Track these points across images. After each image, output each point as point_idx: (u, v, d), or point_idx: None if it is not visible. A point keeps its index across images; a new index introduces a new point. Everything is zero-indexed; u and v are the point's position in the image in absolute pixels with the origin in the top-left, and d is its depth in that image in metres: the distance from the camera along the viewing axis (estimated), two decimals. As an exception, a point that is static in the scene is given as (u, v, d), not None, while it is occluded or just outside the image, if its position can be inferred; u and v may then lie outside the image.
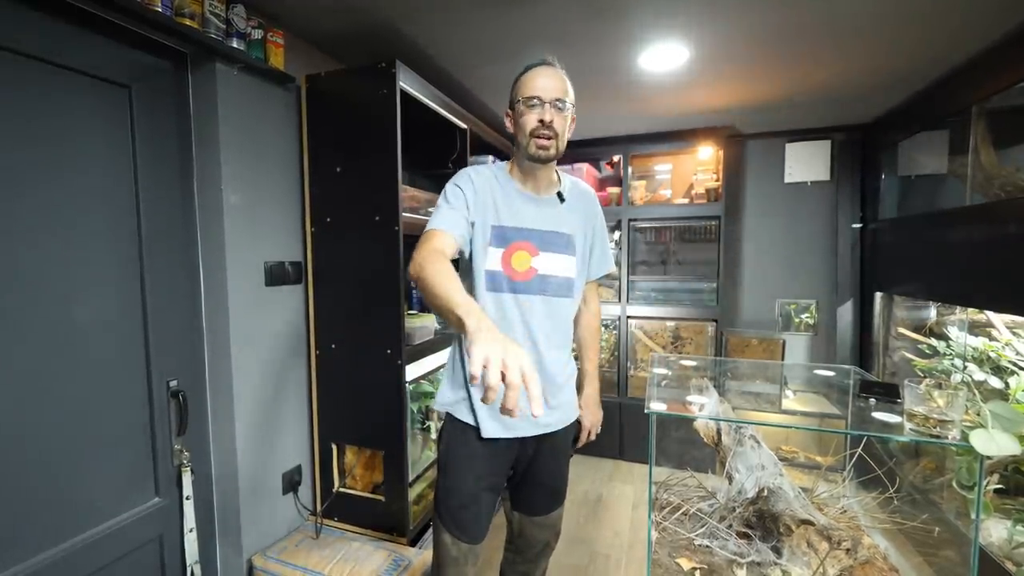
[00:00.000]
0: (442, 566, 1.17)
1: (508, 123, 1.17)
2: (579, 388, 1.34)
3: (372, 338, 1.65)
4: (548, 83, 1.08)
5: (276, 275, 1.63)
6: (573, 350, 1.28)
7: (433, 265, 0.92)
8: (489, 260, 1.12)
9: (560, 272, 1.17)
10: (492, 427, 1.12)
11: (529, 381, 0.65)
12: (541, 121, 1.07)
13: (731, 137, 2.90)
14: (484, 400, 0.65)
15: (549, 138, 1.08)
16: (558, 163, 1.23)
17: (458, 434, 1.16)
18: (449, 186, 1.15)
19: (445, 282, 0.86)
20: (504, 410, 0.65)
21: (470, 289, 1.14)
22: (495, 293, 1.12)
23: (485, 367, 0.65)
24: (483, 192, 1.13)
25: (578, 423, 1.32)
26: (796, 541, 1.19)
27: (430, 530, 1.50)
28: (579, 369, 1.35)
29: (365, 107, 1.59)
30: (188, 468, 1.43)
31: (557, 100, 1.08)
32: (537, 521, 1.27)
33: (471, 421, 1.13)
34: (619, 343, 3.05)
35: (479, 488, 1.15)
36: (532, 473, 1.22)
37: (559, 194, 1.20)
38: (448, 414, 1.19)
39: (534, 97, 1.08)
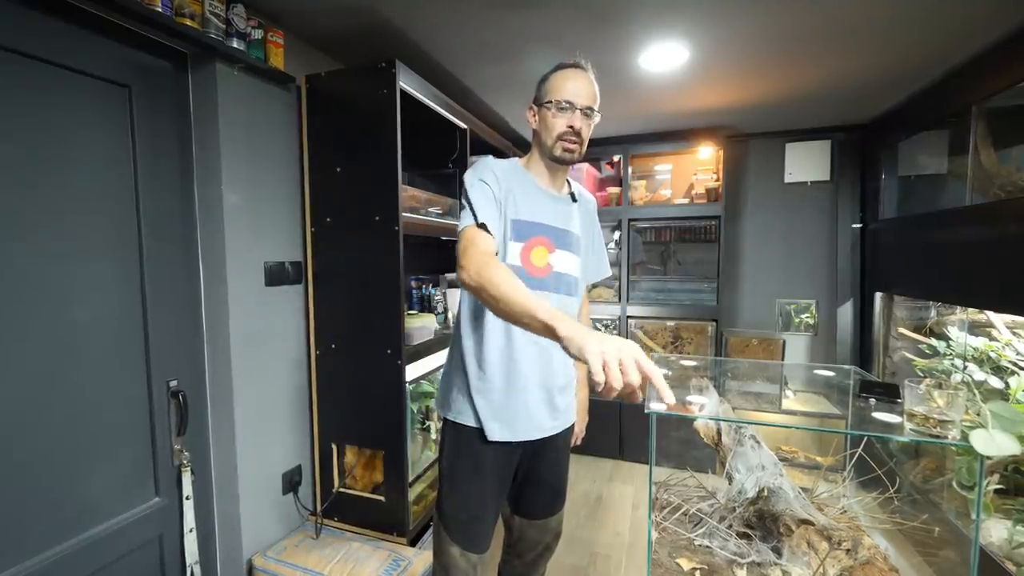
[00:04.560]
0: None
1: (531, 117, 1.15)
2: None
3: (372, 338, 1.65)
4: (582, 89, 1.09)
5: (276, 275, 1.63)
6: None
7: (492, 272, 0.87)
8: (509, 255, 1.10)
9: (571, 271, 1.18)
10: (498, 430, 1.10)
11: (651, 375, 0.65)
12: (571, 127, 1.08)
13: (731, 137, 2.90)
14: (605, 395, 0.66)
15: (575, 143, 1.10)
16: None
17: (462, 441, 1.13)
18: (475, 181, 1.08)
19: (515, 289, 0.82)
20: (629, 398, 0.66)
21: None
22: None
23: (605, 369, 0.64)
24: (504, 184, 1.11)
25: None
26: (796, 541, 1.18)
27: (430, 530, 1.50)
28: None
29: (365, 107, 1.59)
30: (188, 468, 1.43)
31: (588, 108, 1.09)
32: (538, 524, 1.26)
33: (474, 424, 1.11)
34: (619, 343, 3.05)
35: (488, 498, 1.13)
36: (533, 476, 1.22)
37: (571, 195, 1.22)
38: (449, 420, 1.16)
39: (567, 102, 1.08)
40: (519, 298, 0.80)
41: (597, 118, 1.13)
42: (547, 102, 1.10)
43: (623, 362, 0.64)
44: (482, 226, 1.01)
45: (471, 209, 1.04)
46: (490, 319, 1.11)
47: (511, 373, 1.11)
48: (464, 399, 1.13)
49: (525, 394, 1.11)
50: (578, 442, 1.38)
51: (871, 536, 1.26)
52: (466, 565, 1.12)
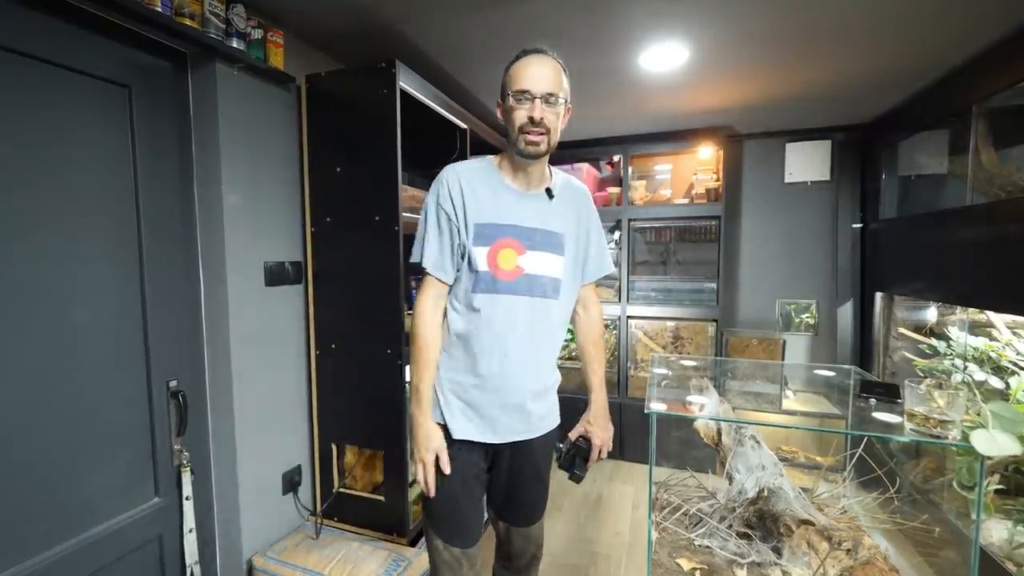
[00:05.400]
0: (437, 570, 1.15)
1: (500, 114, 1.11)
2: (561, 395, 1.26)
3: (372, 338, 1.65)
4: (539, 75, 1.01)
5: (276, 275, 1.63)
6: (573, 354, 1.26)
7: (424, 334, 1.09)
8: (476, 260, 1.07)
9: (548, 272, 1.11)
10: (462, 428, 1.10)
11: (426, 475, 1.07)
12: (531, 118, 1.01)
13: (731, 137, 2.90)
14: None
15: (540, 134, 1.03)
16: (556, 163, 1.21)
17: None
18: (429, 205, 1.11)
19: (422, 366, 1.08)
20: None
21: (465, 290, 1.10)
22: (482, 294, 1.08)
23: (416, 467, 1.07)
24: (463, 191, 1.08)
25: (588, 441, 1.21)
26: (796, 541, 1.18)
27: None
28: (585, 380, 1.27)
29: (365, 107, 1.59)
30: (188, 468, 1.43)
31: (548, 95, 1.01)
32: (520, 532, 1.23)
33: (441, 421, 1.11)
34: (619, 343, 3.05)
35: (463, 490, 1.12)
36: (513, 481, 1.18)
37: (548, 190, 1.13)
38: None
39: (524, 91, 1.01)
40: (417, 374, 1.09)
41: (563, 104, 1.05)
42: (507, 94, 1.05)
43: (422, 462, 1.08)
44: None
45: (422, 243, 1.11)
46: (457, 322, 1.10)
47: (477, 375, 1.09)
48: (434, 396, 1.13)
49: (492, 396, 1.10)
50: (604, 455, 1.22)
51: (871, 536, 1.26)
52: (450, 557, 1.13)
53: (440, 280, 1.10)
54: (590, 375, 1.26)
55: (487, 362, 1.09)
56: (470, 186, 1.09)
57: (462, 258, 1.10)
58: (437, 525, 1.14)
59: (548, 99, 1.02)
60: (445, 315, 1.13)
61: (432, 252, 1.09)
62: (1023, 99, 1.72)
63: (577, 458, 1.19)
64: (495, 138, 2.47)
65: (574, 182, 1.22)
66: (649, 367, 1.55)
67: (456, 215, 1.09)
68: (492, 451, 1.15)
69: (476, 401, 1.10)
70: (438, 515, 1.13)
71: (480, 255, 1.07)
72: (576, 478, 1.19)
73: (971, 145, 1.88)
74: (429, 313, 1.10)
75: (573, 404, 1.35)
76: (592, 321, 1.27)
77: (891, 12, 1.51)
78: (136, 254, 1.33)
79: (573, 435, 1.23)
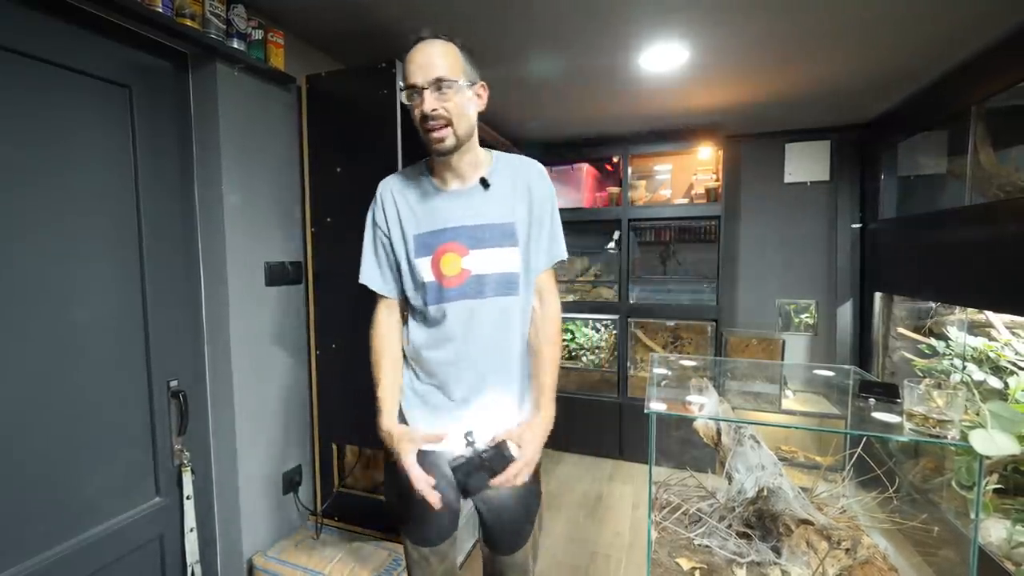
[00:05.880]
0: (409, 568, 1.17)
1: None
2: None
3: (372, 338, 1.64)
4: (425, 63, 0.94)
5: (276, 275, 1.63)
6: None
7: (375, 343, 1.09)
8: (421, 272, 1.03)
9: (499, 268, 1.02)
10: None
11: (414, 481, 0.96)
12: (423, 113, 0.94)
13: (731, 137, 2.90)
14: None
15: (442, 127, 0.95)
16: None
17: None
18: (368, 224, 1.12)
19: (376, 374, 1.08)
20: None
21: (419, 304, 1.08)
22: (434, 305, 1.03)
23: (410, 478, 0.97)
24: (396, 209, 1.07)
25: (510, 454, 1.00)
26: (796, 541, 1.19)
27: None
28: (535, 385, 1.09)
29: (365, 107, 1.59)
30: (188, 468, 1.43)
31: (438, 80, 0.93)
32: (505, 561, 1.14)
33: None
34: (619, 343, 3.05)
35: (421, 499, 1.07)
36: (488, 506, 1.09)
37: (482, 180, 1.04)
38: None
39: (412, 86, 0.95)
40: (376, 384, 1.07)
41: (461, 87, 0.96)
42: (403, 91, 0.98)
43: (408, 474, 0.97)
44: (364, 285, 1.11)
45: (366, 268, 1.12)
46: (418, 336, 1.08)
47: (441, 386, 1.07)
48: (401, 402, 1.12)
49: (457, 405, 1.06)
50: (518, 480, 0.98)
51: (870, 536, 1.26)
52: (418, 556, 1.14)
53: (389, 298, 1.11)
54: (542, 377, 1.06)
55: (447, 372, 1.05)
56: (404, 199, 1.07)
57: (399, 271, 1.09)
58: (407, 528, 1.15)
59: (440, 85, 0.94)
60: (408, 326, 1.12)
61: (371, 271, 1.11)
62: (1021, 100, 1.73)
63: (486, 465, 0.97)
64: (495, 138, 2.47)
65: (516, 161, 1.11)
66: (649, 367, 1.55)
67: (391, 232, 1.08)
68: (463, 461, 1.08)
69: (443, 411, 1.07)
70: (406, 519, 1.14)
71: (423, 266, 1.03)
72: (473, 491, 0.99)
73: (970, 145, 1.88)
74: (380, 324, 1.11)
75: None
76: (548, 317, 1.10)
77: (891, 13, 1.51)
78: (136, 254, 1.33)
79: (501, 437, 1.02)
